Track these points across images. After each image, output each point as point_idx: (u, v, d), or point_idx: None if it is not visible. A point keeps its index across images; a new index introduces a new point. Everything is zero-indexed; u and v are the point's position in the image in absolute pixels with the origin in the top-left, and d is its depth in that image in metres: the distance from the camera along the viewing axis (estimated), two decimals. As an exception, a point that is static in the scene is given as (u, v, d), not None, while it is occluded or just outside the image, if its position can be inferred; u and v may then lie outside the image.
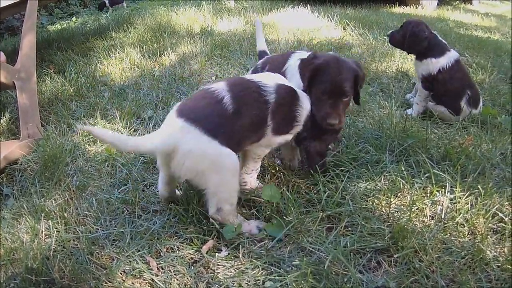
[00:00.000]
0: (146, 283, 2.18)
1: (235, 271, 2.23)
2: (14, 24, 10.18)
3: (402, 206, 2.63)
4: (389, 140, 3.13)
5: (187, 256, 2.33)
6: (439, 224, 2.44)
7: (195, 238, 2.42)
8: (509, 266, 2.18)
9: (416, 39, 3.79)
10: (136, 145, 2.30)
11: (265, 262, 2.26)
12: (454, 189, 2.62)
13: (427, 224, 2.47)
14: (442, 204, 2.58)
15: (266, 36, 6.22)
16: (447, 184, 2.66)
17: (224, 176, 2.31)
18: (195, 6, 7.83)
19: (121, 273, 2.23)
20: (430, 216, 2.54)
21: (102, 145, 3.53)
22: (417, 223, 2.47)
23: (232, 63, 5.18)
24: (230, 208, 2.41)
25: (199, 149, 2.24)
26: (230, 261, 2.30)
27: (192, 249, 2.38)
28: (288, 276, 2.14)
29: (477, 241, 2.33)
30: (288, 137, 2.66)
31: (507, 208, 2.56)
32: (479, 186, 2.65)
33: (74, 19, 11.29)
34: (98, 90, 4.66)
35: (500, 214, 2.49)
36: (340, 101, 2.66)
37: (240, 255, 2.32)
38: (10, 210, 2.82)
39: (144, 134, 3.60)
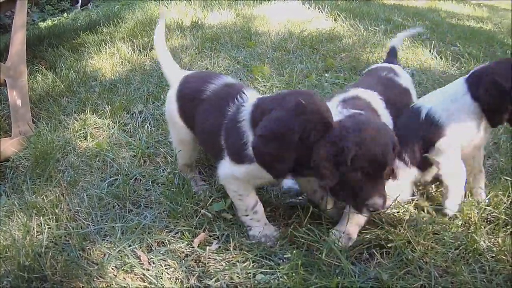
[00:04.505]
0: (138, 278, 2.18)
1: (226, 264, 2.24)
2: (6, 22, 10.10)
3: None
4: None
5: (178, 250, 2.34)
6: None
7: (186, 231, 2.43)
8: (504, 257, 2.18)
9: None
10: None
11: (256, 255, 2.26)
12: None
13: (420, 214, 2.48)
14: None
15: (256, 29, 6.20)
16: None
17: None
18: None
19: (112, 269, 2.23)
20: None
21: (93, 140, 3.52)
22: (408, 213, 2.49)
23: (223, 55, 5.15)
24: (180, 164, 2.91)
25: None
26: (221, 254, 2.30)
27: (183, 242, 2.38)
28: (280, 268, 2.15)
29: (470, 231, 2.34)
30: None
31: (501, 198, 2.57)
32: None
33: (65, 15, 11.21)
34: (89, 85, 4.62)
35: (490, 208, 2.51)
36: None
37: (231, 248, 2.32)
38: (2, 207, 2.81)
39: (134, 129, 3.65)
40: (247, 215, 2.42)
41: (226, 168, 2.37)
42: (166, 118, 2.96)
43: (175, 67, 2.99)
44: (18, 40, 4.12)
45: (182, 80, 2.80)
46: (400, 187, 2.50)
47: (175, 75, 2.90)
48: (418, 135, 2.51)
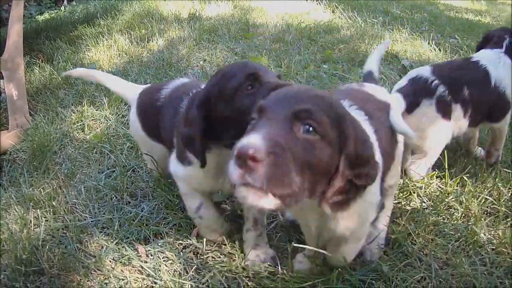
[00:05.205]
0: (135, 270, 2.17)
1: (224, 256, 2.23)
2: (3, 15, 10.05)
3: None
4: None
5: (176, 242, 2.32)
6: (431, 206, 2.44)
7: (184, 223, 2.41)
8: (504, 249, 2.17)
9: None
10: None
11: (254, 246, 2.24)
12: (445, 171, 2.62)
13: (418, 206, 2.47)
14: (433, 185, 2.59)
15: (254, 21, 6.18)
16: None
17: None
18: (183, -8, 7.75)
19: (110, 261, 2.21)
20: (422, 197, 2.54)
21: (90, 132, 3.50)
22: (407, 203, 2.48)
23: (220, 47, 5.14)
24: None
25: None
26: (219, 246, 2.29)
27: (181, 234, 2.36)
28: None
29: (470, 223, 2.33)
30: None
31: (501, 190, 2.56)
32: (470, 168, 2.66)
33: (62, 7, 11.16)
34: (86, 77, 4.61)
35: (490, 198, 2.50)
36: None
37: (229, 240, 2.31)
38: (-1, 200, 2.80)
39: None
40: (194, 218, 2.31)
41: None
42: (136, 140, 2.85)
43: (128, 86, 2.84)
44: (15, 33, 4.11)
45: (138, 97, 2.63)
46: (447, 130, 2.64)
47: (131, 93, 2.72)
48: (486, 99, 2.68)
